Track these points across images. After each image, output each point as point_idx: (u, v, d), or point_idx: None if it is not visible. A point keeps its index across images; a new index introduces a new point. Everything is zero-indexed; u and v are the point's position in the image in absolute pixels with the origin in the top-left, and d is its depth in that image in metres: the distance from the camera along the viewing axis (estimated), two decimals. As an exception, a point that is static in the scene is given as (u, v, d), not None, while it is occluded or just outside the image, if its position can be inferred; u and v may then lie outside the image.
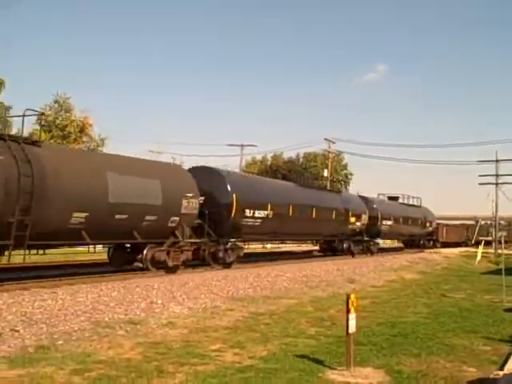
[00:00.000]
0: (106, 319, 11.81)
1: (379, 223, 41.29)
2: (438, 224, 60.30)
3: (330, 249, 37.74)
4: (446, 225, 65.47)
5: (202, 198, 22.82)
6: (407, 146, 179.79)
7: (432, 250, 51.28)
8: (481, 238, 59.59)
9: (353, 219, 37.08)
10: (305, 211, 31.23)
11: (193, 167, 25.75)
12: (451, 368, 9.00)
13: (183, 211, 21.02)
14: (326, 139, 63.97)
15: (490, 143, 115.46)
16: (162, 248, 20.73)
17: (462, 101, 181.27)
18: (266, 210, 26.53)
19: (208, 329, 11.58)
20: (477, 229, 75.30)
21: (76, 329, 10.72)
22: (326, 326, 12.56)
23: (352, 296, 8.68)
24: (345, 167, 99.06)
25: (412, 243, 54.23)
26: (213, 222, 23.51)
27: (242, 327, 11.96)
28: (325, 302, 16.31)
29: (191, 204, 21.49)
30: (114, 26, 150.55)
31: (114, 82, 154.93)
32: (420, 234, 54.41)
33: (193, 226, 22.56)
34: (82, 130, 55.38)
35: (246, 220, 25.28)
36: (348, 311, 8.54)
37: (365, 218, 38.84)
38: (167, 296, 15.17)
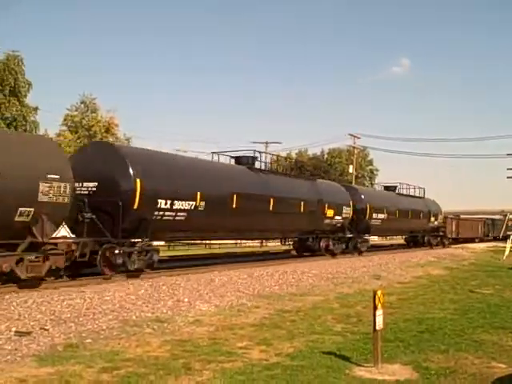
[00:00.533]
0: (134, 317, 11.93)
1: (368, 217, 35.13)
2: (446, 217, 53.24)
3: (305, 248, 31.22)
4: (457, 218, 57.81)
5: (94, 183, 18.17)
6: (433, 140, 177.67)
7: (458, 245, 50.68)
8: (509, 233, 58.69)
9: (330, 212, 30.75)
10: (258, 202, 24.76)
11: (84, 144, 20.36)
12: (480, 364, 8.91)
13: (42, 199, 14.82)
14: (350, 134, 63.77)
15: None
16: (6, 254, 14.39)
17: (488, 94, 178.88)
18: (194, 200, 20.36)
19: (234, 326, 11.62)
20: (505, 223, 74.28)
21: (104, 327, 10.85)
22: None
23: (379, 292, 8.64)
24: (370, 163, 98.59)
25: (414, 240, 47.23)
26: (110, 217, 17.80)
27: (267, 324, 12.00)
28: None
29: (56, 189, 15.19)
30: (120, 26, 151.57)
31: (135, 81, 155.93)
32: (423, 230, 46.84)
33: (81, 221, 17.26)
34: (108, 129, 55.86)
35: (160, 214, 19.01)
36: (375, 307, 8.50)
37: (348, 210, 32.61)
38: (193, 294, 15.26)
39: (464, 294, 18.30)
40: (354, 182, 66.90)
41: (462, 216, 61.99)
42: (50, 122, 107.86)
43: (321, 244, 30.54)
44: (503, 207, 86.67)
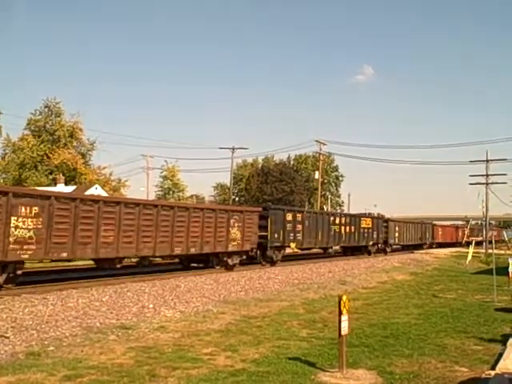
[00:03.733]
0: (98, 324, 11.76)
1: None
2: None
3: None
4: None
5: None
6: (397, 147, 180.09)
7: (423, 251, 51.17)
8: (472, 239, 59.65)
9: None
10: None
11: None
12: (443, 368, 9.03)
13: None
14: (316, 141, 64.05)
15: (481, 143, 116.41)
16: None
17: (452, 101, 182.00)
18: None
19: (200, 332, 11.55)
20: (467, 229, 75.60)
21: (67, 334, 10.68)
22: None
23: (344, 297, 8.68)
24: (335, 169, 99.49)
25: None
26: None
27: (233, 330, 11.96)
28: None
29: None
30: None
31: (102, 87, 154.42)
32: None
33: None
34: (72, 134, 55.24)
35: None
36: (340, 313, 8.54)
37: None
38: (159, 300, 15.14)
39: (428, 298, 18.54)
40: (319, 188, 67.34)
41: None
42: (11, 127, 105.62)
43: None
44: (466, 213, 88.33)
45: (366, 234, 40.96)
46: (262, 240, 27.30)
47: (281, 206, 40.66)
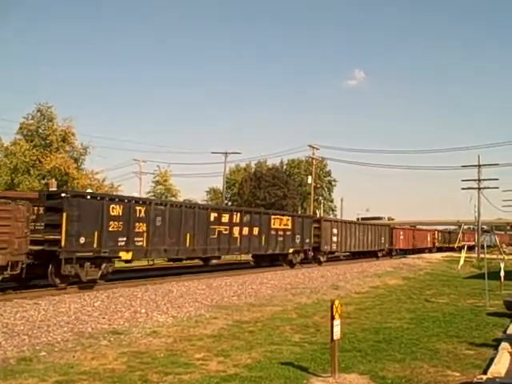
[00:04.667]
0: (90, 329, 11.73)
1: None
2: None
3: None
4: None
5: None
6: (389, 151, 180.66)
7: (415, 256, 51.21)
8: (463, 243, 59.82)
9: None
10: None
11: None
12: (435, 373, 9.05)
13: None
14: (309, 145, 64.07)
15: (474, 148, 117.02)
16: None
17: (446, 105, 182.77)
18: None
19: (192, 337, 11.53)
20: (460, 233, 75.78)
21: (59, 340, 10.63)
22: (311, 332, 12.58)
23: (336, 302, 8.69)
24: (328, 174, 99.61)
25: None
26: None
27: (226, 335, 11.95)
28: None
29: None
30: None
31: (95, 90, 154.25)
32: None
33: None
34: (65, 139, 55.10)
35: None
36: (332, 317, 8.54)
37: None
38: (151, 305, 15.11)
39: (420, 303, 18.57)
40: (312, 192, 67.38)
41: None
42: (6, 131, 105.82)
43: None
44: (459, 218, 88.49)
45: (280, 238, 30.35)
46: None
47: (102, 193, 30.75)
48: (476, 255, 50.91)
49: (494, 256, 45.94)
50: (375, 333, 12.64)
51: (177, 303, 15.70)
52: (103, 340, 10.87)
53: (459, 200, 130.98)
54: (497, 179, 56.57)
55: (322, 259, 35.36)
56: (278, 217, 30.80)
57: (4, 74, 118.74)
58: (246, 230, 26.98)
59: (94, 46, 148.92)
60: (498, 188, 59.38)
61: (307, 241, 33.19)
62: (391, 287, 23.97)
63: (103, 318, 13.04)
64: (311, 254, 33.91)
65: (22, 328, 11.34)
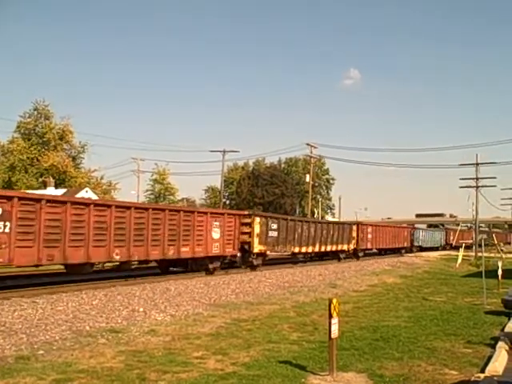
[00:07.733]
0: (88, 328, 11.72)
1: None
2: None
3: None
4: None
5: None
6: (387, 150, 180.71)
7: (412, 254, 51.21)
8: (461, 241, 59.83)
9: None
10: None
11: None
12: (433, 371, 9.05)
13: None
14: (307, 144, 64.09)
15: (473, 146, 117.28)
16: None
17: (443, 104, 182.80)
18: None
19: (190, 336, 11.53)
20: (457, 232, 75.82)
21: (57, 338, 10.62)
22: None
23: (334, 301, 8.69)
24: (326, 172, 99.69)
25: None
26: None
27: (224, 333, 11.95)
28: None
29: None
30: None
31: (94, 89, 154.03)
32: None
33: None
34: (62, 137, 55.04)
35: None
36: (330, 316, 8.55)
37: None
38: (149, 304, 15.11)
39: (418, 301, 18.59)
40: (310, 191, 67.40)
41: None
42: (1, 129, 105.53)
43: None
44: (456, 215, 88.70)
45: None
46: None
47: None
48: (474, 253, 50.95)
49: (492, 254, 46.04)
50: (373, 331, 12.65)
51: (175, 302, 15.69)
52: (101, 338, 10.86)
53: (457, 198, 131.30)
54: (495, 177, 56.76)
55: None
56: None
57: (3, 73, 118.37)
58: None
59: (94, 44, 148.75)
60: (495, 186, 59.60)
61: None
62: (389, 285, 23.99)
63: (101, 316, 13.03)
64: None
65: (19, 326, 11.33)
